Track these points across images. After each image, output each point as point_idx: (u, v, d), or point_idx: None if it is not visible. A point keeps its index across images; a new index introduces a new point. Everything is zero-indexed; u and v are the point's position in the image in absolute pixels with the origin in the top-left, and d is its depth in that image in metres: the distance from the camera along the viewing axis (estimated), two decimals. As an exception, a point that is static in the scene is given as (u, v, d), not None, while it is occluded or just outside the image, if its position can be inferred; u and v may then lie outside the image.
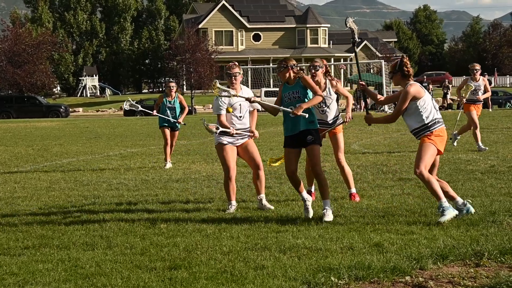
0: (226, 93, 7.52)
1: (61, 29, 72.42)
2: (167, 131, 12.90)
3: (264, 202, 7.90)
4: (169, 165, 12.58)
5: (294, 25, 63.86)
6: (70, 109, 48.64)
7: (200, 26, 61.46)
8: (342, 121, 8.41)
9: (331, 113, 8.24)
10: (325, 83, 8.23)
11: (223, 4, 62.63)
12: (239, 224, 6.98)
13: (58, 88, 65.90)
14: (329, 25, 67.14)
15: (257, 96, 42.12)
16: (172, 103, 12.82)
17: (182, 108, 13.07)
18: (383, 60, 43.42)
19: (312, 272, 5.08)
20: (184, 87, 59.25)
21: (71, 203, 8.73)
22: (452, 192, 6.87)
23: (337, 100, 8.46)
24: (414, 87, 6.78)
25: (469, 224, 6.53)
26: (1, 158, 15.30)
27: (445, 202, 6.59)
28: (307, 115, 7.06)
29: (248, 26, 63.22)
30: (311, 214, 7.15)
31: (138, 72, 79.35)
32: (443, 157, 12.44)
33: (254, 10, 64.90)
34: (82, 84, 68.76)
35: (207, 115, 44.63)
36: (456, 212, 6.65)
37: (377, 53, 62.97)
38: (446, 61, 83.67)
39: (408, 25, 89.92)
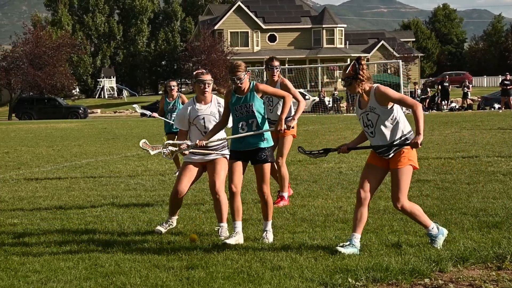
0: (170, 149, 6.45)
1: (80, 32, 72.89)
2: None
3: (223, 231, 6.57)
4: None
5: (310, 26, 63.74)
6: (89, 111, 48.98)
7: (215, 27, 61.59)
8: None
9: (279, 111, 8.15)
10: (277, 82, 8.29)
11: (239, 5, 62.68)
12: (256, 225, 7.01)
13: (77, 89, 66.33)
14: (345, 25, 66.87)
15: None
16: (172, 104, 11.37)
17: None
18: (400, 60, 43.16)
19: (329, 273, 5.09)
20: (201, 88, 59.29)
21: (90, 202, 8.83)
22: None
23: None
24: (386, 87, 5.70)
25: (491, 226, 6.49)
26: (23, 159, 15.48)
27: (433, 228, 5.82)
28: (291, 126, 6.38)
29: (264, 27, 63.21)
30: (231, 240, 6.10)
31: (155, 74, 79.63)
32: (464, 158, 12.36)
33: (269, 11, 64.88)
34: (100, 85, 69.16)
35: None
36: (445, 231, 5.93)
37: (395, 53, 62.62)
38: (466, 61, 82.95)
39: (426, 25, 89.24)
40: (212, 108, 6.75)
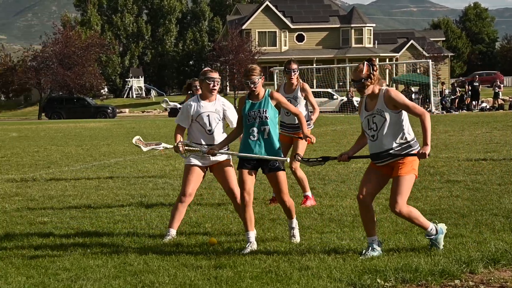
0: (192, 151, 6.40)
1: (108, 32, 73.57)
2: None
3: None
4: None
5: (338, 25, 63.43)
6: (117, 110, 49.41)
7: (243, 27, 61.63)
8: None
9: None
10: (296, 85, 8.30)
11: (267, 4, 62.62)
12: (283, 225, 6.99)
13: (106, 89, 66.95)
14: (374, 25, 66.37)
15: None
16: None
17: None
18: (430, 60, 42.71)
19: (358, 273, 5.05)
20: (228, 88, 59.55)
21: (119, 201, 8.89)
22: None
23: (306, 105, 8.40)
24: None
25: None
26: (53, 158, 15.67)
27: (432, 229, 5.69)
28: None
29: (292, 26, 63.07)
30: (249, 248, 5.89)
31: (183, 73, 80.00)
32: (495, 159, 12.19)
33: (297, 10, 64.70)
34: (128, 85, 69.69)
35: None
36: (443, 228, 5.81)
37: (424, 52, 61.96)
38: (498, 60, 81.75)
39: (457, 24, 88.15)
40: (216, 105, 6.62)
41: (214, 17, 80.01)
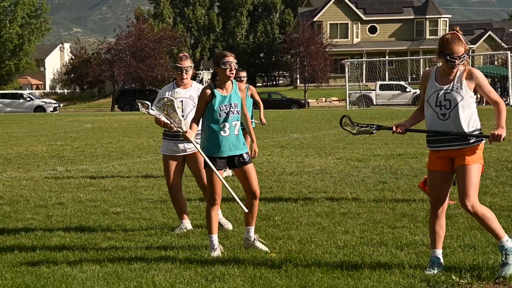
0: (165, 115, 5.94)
1: (180, 24, 74.68)
2: None
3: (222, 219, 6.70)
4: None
5: (412, 17, 62.12)
6: (188, 102, 50.11)
7: (315, 19, 61.25)
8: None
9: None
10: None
11: (339, -4, 62.05)
12: (354, 219, 6.89)
13: (177, 81, 67.92)
14: (450, 16, 64.65)
15: (372, 90, 40.80)
16: None
17: (255, 103, 10.65)
18: (509, 52, 41.20)
19: (432, 270, 4.91)
20: (298, 81, 59.37)
21: (189, 193, 8.98)
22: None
23: None
24: None
25: None
26: (125, 149, 16.03)
27: (508, 240, 4.90)
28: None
29: (364, 18, 62.22)
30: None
31: (253, 66, 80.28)
32: None
33: (370, 1, 63.77)
34: (199, 78, 70.55)
35: (319, 109, 44.51)
36: None
37: (503, 44, 59.88)
38: None
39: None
40: (191, 92, 6.57)
41: (285, 9, 79.84)
